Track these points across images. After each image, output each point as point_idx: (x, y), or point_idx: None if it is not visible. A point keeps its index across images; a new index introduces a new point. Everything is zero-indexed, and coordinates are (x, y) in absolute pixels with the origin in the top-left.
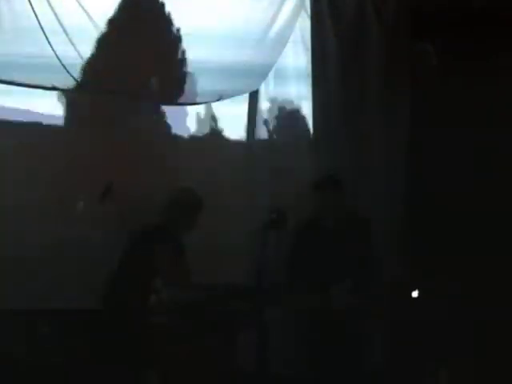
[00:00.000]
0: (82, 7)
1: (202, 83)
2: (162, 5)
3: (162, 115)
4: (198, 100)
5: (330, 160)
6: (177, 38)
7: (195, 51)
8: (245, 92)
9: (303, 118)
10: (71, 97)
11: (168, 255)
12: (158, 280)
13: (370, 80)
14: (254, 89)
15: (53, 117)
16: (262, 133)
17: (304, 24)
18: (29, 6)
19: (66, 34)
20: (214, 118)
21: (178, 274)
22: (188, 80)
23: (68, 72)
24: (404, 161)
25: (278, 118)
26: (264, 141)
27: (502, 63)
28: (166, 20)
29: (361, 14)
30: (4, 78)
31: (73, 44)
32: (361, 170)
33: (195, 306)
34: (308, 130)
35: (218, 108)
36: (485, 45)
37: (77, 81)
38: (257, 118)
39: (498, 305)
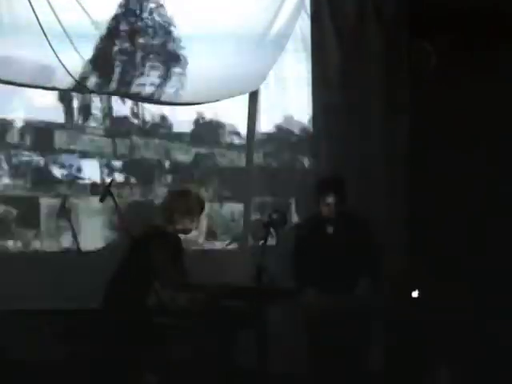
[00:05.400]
0: (82, 7)
1: (202, 83)
2: (162, 5)
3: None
4: (198, 100)
5: (330, 160)
6: (177, 38)
7: (195, 51)
8: (245, 92)
9: (303, 118)
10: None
11: (166, 255)
12: (158, 280)
13: (370, 79)
14: (254, 89)
15: None
16: (263, 132)
17: (304, 24)
18: (29, 6)
19: (66, 34)
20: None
21: (176, 275)
22: (188, 80)
23: (68, 72)
24: (404, 160)
25: (277, 118)
26: (264, 140)
27: (503, 62)
28: (166, 20)
29: (361, 14)
30: (4, 77)
31: (73, 44)
32: (361, 171)
33: (195, 306)
34: (308, 131)
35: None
36: (485, 44)
37: (77, 81)
38: (257, 117)
39: (498, 305)
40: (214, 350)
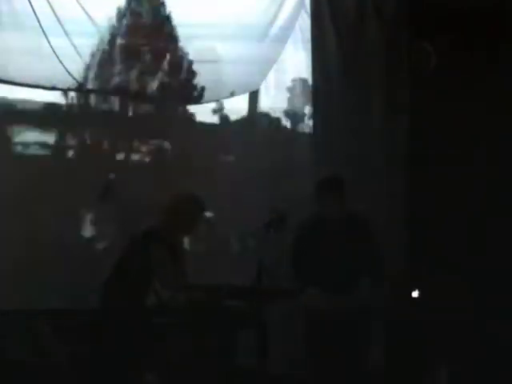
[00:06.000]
0: (82, 7)
1: (202, 83)
2: (163, 4)
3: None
4: (198, 100)
5: (330, 160)
6: (177, 38)
7: (195, 51)
8: (245, 92)
9: (303, 119)
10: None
11: (164, 256)
12: (157, 280)
13: (370, 79)
14: (254, 89)
15: None
16: (263, 132)
17: (304, 24)
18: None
19: (66, 34)
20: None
21: (176, 275)
22: (188, 80)
23: (68, 72)
24: (404, 160)
25: (278, 118)
26: (264, 140)
27: (503, 62)
28: (167, 20)
29: (361, 14)
30: (4, 77)
31: (73, 44)
32: (361, 171)
33: (195, 306)
34: (309, 130)
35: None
36: (485, 44)
37: (77, 81)
38: (257, 117)
39: (498, 305)
40: (214, 349)
